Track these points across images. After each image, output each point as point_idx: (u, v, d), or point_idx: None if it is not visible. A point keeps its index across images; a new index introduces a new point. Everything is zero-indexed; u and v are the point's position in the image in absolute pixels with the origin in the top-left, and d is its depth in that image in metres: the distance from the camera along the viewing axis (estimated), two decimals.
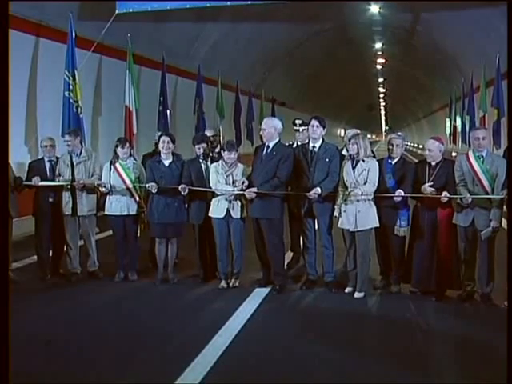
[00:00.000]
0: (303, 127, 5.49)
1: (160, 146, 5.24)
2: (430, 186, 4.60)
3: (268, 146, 5.02)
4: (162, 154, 5.26)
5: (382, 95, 40.88)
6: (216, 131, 5.87)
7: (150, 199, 5.26)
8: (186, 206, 5.32)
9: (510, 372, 2.67)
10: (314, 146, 5.04)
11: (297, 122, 5.56)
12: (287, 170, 4.96)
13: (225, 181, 5.04)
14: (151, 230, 5.35)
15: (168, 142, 5.23)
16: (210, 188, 5.07)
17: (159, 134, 5.56)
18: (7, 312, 2.60)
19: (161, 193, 5.15)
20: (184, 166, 5.25)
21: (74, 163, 5.34)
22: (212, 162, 5.17)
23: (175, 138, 5.35)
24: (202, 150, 5.24)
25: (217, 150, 5.33)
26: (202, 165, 5.25)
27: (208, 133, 5.70)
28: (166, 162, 5.26)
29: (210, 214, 5.13)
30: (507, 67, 4.01)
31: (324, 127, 5.04)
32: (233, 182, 5.02)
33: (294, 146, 5.56)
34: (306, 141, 5.30)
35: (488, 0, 9.85)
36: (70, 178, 5.30)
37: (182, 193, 5.08)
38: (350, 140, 4.80)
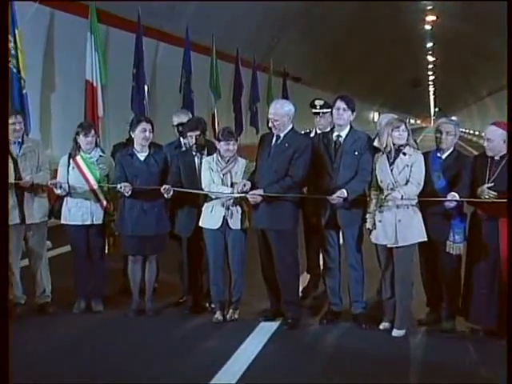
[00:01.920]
0: (325, 110, 5.55)
1: (138, 135, 5.30)
2: (490, 188, 4.63)
3: (278, 136, 5.10)
4: (136, 146, 5.32)
5: (430, 66, 40.86)
6: (189, 116, 5.86)
7: (121, 204, 5.33)
8: (170, 213, 5.41)
9: (510, 372, 3.21)
10: (339, 136, 5.09)
11: (317, 103, 5.60)
12: (303, 167, 5.00)
13: (221, 180, 5.11)
14: (123, 245, 5.43)
15: (150, 131, 5.30)
16: (202, 190, 5.14)
17: (136, 119, 5.59)
18: (6, 317, 3.10)
19: (136, 196, 5.21)
20: (171, 160, 5.31)
21: (15, 155, 5.32)
22: (209, 156, 5.24)
23: (154, 124, 5.45)
24: (194, 140, 5.26)
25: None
26: (196, 159, 5.30)
27: (177, 119, 5.69)
28: (142, 156, 5.32)
29: (200, 224, 5.20)
30: (507, 67, 4.48)
31: (353, 110, 5.08)
32: (231, 183, 5.09)
33: (313, 134, 5.63)
34: (329, 128, 5.32)
35: (488, 0, 9.74)
36: (13, 174, 5.26)
37: (166, 196, 5.13)
38: (396, 127, 4.82)
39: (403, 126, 4.81)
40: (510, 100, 4.91)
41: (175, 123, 5.70)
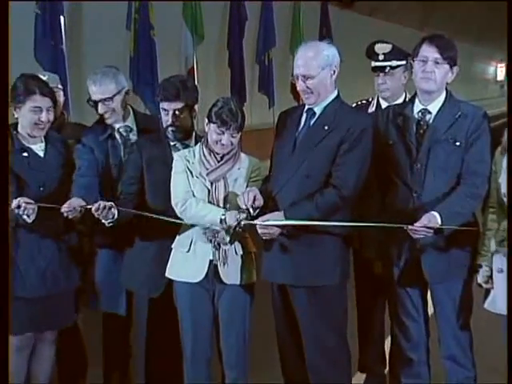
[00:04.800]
0: (394, 63, 5.29)
1: (27, 117, 4.93)
2: None
3: (311, 111, 4.69)
4: (24, 133, 5.01)
5: None
6: (119, 81, 5.36)
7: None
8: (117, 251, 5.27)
9: (511, 372, 4.28)
10: (425, 111, 4.74)
11: (378, 49, 5.32)
12: (358, 170, 4.61)
13: (207, 193, 4.68)
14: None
15: (50, 111, 4.94)
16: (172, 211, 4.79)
17: (23, 84, 5.14)
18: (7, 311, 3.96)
19: (42, 224, 4.87)
20: (129, 155, 5.06)
21: None
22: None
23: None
24: (171, 118, 4.88)
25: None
26: (174, 153, 5.04)
27: (96, 89, 5.21)
28: (40, 150, 5.08)
29: (168, 274, 4.86)
30: (507, 67, 4.78)
31: (452, 63, 4.68)
32: (225, 199, 4.67)
33: (372, 109, 5.43)
34: (402, 97, 5.24)
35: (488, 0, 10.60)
36: None
37: (105, 221, 4.70)
38: None
39: None
40: (510, 100, 4.98)
41: (93, 98, 5.24)
